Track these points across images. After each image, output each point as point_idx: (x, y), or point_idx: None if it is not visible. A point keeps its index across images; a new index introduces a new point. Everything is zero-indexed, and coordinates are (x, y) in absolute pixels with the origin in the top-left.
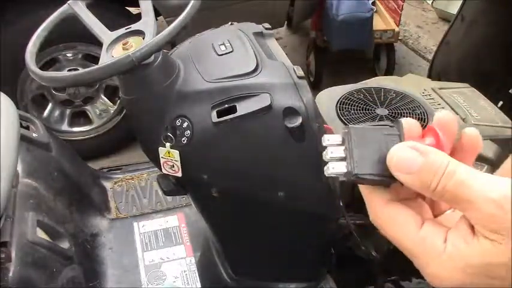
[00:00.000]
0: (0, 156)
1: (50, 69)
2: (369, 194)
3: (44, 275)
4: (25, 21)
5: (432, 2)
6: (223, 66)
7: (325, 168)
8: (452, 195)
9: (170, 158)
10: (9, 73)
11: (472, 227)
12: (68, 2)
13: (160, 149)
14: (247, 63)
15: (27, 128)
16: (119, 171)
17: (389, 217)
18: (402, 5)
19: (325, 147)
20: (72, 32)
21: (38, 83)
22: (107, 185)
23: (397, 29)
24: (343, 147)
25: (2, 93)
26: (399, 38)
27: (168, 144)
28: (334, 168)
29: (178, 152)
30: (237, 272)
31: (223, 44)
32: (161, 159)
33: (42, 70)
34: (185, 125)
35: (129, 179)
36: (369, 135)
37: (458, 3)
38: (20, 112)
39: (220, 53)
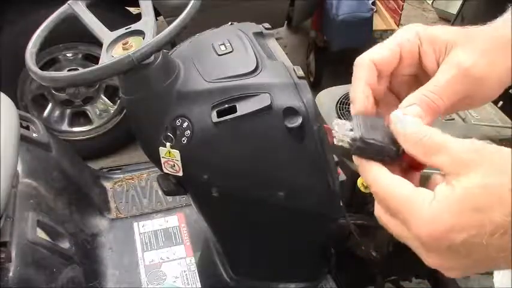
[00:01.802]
0: (0, 156)
1: (50, 69)
2: (366, 170)
3: (44, 275)
4: (25, 21)
5: (432, 2)
6: (223, 66)
7: (334, 136)
8: (428, 147)
9: (171, 157)
10: (9, 73)
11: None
12: (68, 2)
13: (161, 148)
14: (247, 63)
15: (27, 128)
16: (119, 171)
17: (388, 184)
18: (402, 5)
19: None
20: (72, 32)
21: (38, 83)
22: (107, 185)
23: (397, 29)
24: (350, 123)
25: (2, 93)
26: None
27: (168, 144)
28: (343, 136)
29: (178, 151)
30: (237, 272)
31: (223, 44)
32: (162, 158)
33: (42, 70)
34: (185, 125)
35: (129, 179)
36: (373, 121)
37: (458, 3)
38: (20, 112)
39: (220, 53)
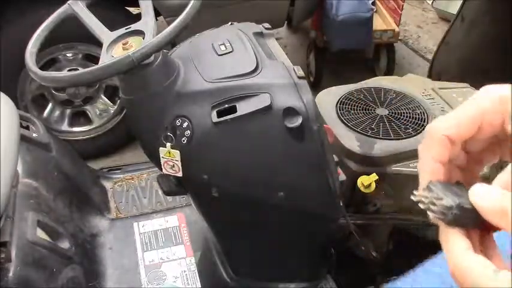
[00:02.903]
0: (0, 156)
1: (50, 69)
2: (449, 243)
3: (44, 275)
4: (25, 21)
5: (432, 2)
6: (223, 66)
7: (432, 210)
8: None
9: (171, 158)
10: (9, 73)
11: None
12: (68, 2)
13: (161, 149)
14: (247, 63)
15: (27, 128)
16: (118, 171)
17: (468, 267)
18: (402, 5)
19: (420, 197)
20: (72, 32)
21: (38, 83)
22: (107, 185)
23: (397, 29)
24: (435, 193)
25: (2, 93)
26: (399, 38)
27: (168, 144)
28: (441, 204)
29: (178, 151)
30: (237, 272)
31: (223, 44)
32: (162, 159)
33: (42, 70)
34: (185, 125)
35: (129, 179)
36: (445, 186)
37: (458, 3)
38: (20, 112)
39: (220, 53)
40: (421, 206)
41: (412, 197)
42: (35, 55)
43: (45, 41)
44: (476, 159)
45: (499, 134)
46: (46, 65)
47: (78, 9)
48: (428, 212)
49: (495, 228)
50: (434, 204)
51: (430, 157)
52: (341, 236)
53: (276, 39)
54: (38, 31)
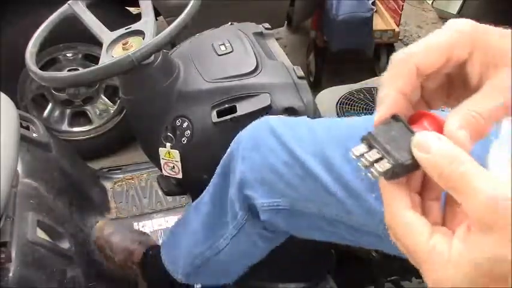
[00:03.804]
0: (0, 156)
1: (50, 69)
2: (390, 199)
3: (44, 275)
4: (25, 21)
5: (432, 2)
6: (223, 66)
7: (371, 172)
8: (455, 185)
9: (170, 159)
10: (9, 73)
11: (468, 228)
12: (68, 2)
13: (161, 149)
14: (247, 63)
15: (27, 128)
16: (119, 171)
17: (405, 223)
18: (402, 5)
19: (359, 157)
20: (72, 32)
21: (38, 83)
22: (107, 185)
23: (397, 29)
24: (375, 150)
25: (2, 93)
26: (399, 38)
27: (168, 145)
28: (380, 168)
29: (178, 152)
30: None
31: (223, 44)
32: (161, 160)
33: (42, 70)
34: (185, 125)
35: (129, 179)
36: (386, 133)
37: (458, 3)
38: (20, 112)
39: (220, 53)
40: (360, 165)
41: (351, 154)
42: (35, 55)
43: (45, 41)
44: (426, 99)
45: (454, 74)
46: (46, 65)
47: (78, 9)
48: (370, 176)
49: None
50: (373, 166)
51: (394, 88)
52: None
53: (276, 39)
54: (38, 31)
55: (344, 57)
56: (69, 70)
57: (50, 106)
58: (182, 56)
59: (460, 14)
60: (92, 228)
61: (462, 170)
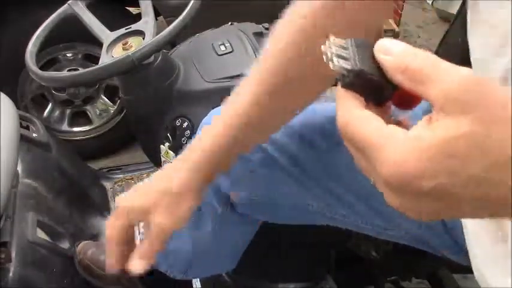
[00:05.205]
0: (0, 156)
1: (50, 69)
2: (343, 98)
3: (44, 275)
4: (25, 21)
5: (432, 2)
6: (223, 66)
7: (332, 61)
8: (422, 76)
9: (168, 158)
10: (9, 73)
11: (430, 119)
12: (68, 2)
13: (162, 147)
14: (247, 63)
15: (27, 128)
16: (119, 171)
17: (359, 117)
18: (402, 5)
19: (329, 44)
20: (72, 32)
21: (38, 83)
22: (107, 185)
23: (397, 29)
24: (345, 47)
25: (2, 93)
26: (399, 38)
27: (166, 144)
28: (339, 62)
29: (173, 153)
30: (237, 272)
31: (223, 44)
32: (162, 157)
33: (42, 70)
34: (185, 125)
35: (129, 179)
36: (361, 46)
37: (458, 3)
38: (20, 112)
39: (220, 53)
40: (324, 57)
41: (322, 46)
42: (35, 55)
43: (45, 41)
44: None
45: None
46: (46, 65)
47: (78, 9)
48: (330, 64)
49: (409, 104)
50: (337, 60)
51: None
52: (341, 236)
53: None
54: (38, 31)
55: None
56: (69, 70)
57: (50, 106)
58: (182, 56)
59: (460, 14)
60: (92, 228)
61: (431, 58)
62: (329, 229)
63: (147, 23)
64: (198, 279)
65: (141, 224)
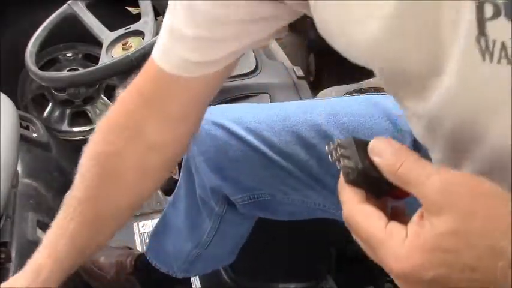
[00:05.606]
0: (0, 156)
1: (50, 69)
2: (346, 193)
3: None
4: (25, 21)
5: None
6: None
7: (339, 161)
8: (408, 177)
9: None
10: (9, 73)
11: (421, 215)
12: (68, 2)
13: None
14: (247, 63)
15: (27, 128)
16: None
17: (362, 212)
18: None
19: (333, 149)
20: (72, 32)
21: (37, 83)
22: None
23: None
24: (348, 150)
25: (2, 93)
26: None
27: None
28: (344, 162)
29: None
30: (237, 272)
31: None
32: None
33: (42, 70)
34: None
35: None
36: (360, 144)
37: None
38: (20, 112)
39: None
40: (330, 159)
41: (326, 147)
42: (35, 55)
43: (45, 41)
44: None
45: None
46: (46, 65)
47: (78, 9)
48: (336, 164)
49: (403, 196)
50: (340, 161)
51: None
52: (341, 236)
53: (276, 39)
54: (38, 31)
55: (344, 57)
56: (69, 70)
57: (50, 106)
58: None
59: None
60: None
61: (419, 163)
62: (329, 227)
63: (147, 23)
64: (198, 280)
65: (141, 224)
